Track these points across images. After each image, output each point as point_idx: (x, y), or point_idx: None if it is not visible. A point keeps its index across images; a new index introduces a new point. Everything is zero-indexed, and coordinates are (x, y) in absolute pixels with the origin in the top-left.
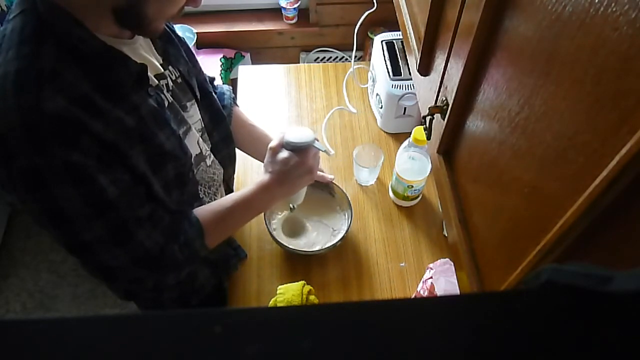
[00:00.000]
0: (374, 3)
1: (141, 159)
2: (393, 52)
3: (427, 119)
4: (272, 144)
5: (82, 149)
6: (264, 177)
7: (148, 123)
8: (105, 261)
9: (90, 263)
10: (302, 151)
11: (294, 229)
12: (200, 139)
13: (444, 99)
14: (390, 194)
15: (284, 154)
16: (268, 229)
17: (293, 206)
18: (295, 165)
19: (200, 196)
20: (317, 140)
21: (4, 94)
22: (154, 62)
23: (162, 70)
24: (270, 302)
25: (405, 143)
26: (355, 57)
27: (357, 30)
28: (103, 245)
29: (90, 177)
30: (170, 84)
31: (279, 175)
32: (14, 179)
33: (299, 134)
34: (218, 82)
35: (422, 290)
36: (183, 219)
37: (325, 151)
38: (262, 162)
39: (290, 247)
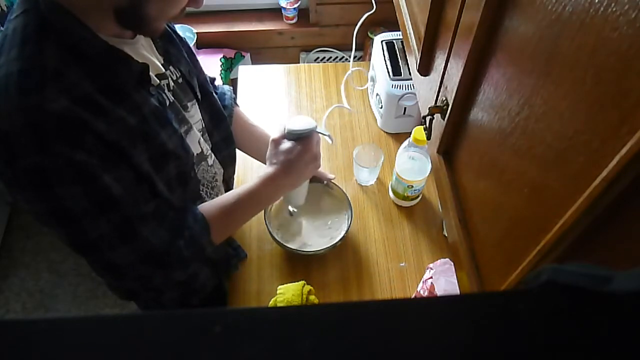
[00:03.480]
0: (373, 5)
1: (144, 158)
2: (393, 52)
3: (427, 119)
4: (274, 136)
5: (86, 148)
6: (268, 170)
7: (150, 122)
8: (112, 259)
9: (97, 262)
10: (305, 139)
11: (292, 231)
12: (202, 138)
13: (444, 99)
14: (390, 194)
15: (287, 144)
16: (268, 229)
17: (293, 210)
18: (299, 154)
19: (202, 196)
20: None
21: (7, 94)
22: (155, 61)
23: (163, 70)
24: (270, 302)
25: (405, 143)
26: (355, 57)
27: (357, 31)
28: (109, 243)
29: (94, 175)
30: (171, 83)
31: (285, 165)
32: (19, 179)
33: (301, 123)
34: (218, 82)
35: (422, 290)
36: (187, 214)
37: (328, 136)
38: (263, 162)
39: (290, 247)
